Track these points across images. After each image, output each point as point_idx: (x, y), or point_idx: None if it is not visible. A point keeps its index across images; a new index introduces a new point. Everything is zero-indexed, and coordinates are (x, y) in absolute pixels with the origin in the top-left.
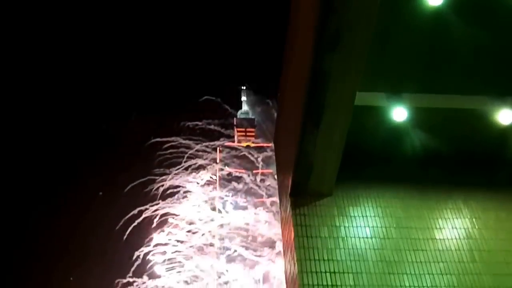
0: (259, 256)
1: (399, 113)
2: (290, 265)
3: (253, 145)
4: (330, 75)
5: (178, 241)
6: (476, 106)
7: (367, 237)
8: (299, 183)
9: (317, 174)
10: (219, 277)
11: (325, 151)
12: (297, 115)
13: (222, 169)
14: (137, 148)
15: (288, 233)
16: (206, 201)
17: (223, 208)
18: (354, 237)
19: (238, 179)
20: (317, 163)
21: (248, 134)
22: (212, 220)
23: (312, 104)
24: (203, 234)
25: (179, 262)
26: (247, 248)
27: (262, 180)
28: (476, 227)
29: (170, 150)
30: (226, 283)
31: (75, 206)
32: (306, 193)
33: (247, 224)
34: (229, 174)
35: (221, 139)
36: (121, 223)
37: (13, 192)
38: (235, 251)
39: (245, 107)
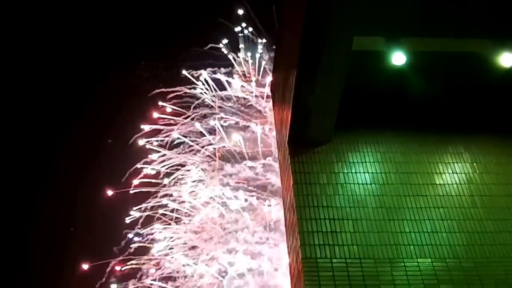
0: (269, 205)
1: (398, 58)
2: (290, 212)
3: (252, 92)
4: (326, 18)
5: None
6: (476, 49)
7: (366, 183)
8: (297, 129)
9: (315, 120)
10: (228, 226)
11: (323, 97)
12: (294, 60)
13: (221, 118)
14: (141, 98)
15: (287, 180)
16: (212, 150)
17: (231, 157)
18: (353, 183)
19: (246, 128)
20: (315, 109)
21: (248, 82)
22: (220, 169)
23: (309, 49)
24: (210, 185)
25: (186, 212)
26: (257, 198)
27: (271, 130)
28: (477, 171)
29: (174, 100)
30: (235, 231)
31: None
32: (305, 140)
33: (256, 174)
34: (237, 123)
35: (227, 88)
36: (126, 176)
37: (24, 141)
38: (246, 200)
39: (243, 55)
